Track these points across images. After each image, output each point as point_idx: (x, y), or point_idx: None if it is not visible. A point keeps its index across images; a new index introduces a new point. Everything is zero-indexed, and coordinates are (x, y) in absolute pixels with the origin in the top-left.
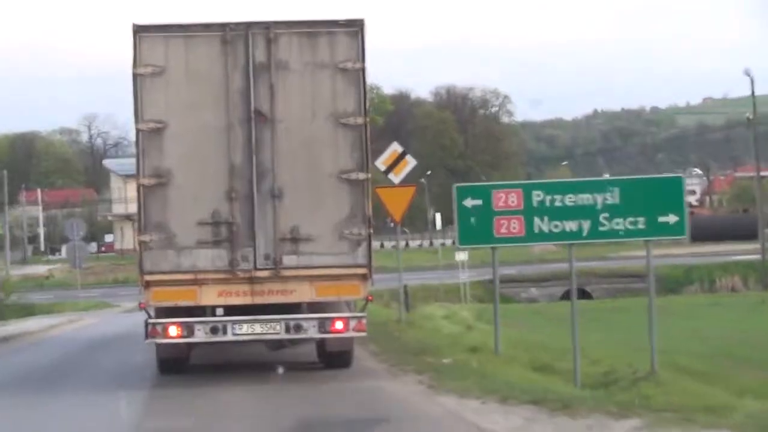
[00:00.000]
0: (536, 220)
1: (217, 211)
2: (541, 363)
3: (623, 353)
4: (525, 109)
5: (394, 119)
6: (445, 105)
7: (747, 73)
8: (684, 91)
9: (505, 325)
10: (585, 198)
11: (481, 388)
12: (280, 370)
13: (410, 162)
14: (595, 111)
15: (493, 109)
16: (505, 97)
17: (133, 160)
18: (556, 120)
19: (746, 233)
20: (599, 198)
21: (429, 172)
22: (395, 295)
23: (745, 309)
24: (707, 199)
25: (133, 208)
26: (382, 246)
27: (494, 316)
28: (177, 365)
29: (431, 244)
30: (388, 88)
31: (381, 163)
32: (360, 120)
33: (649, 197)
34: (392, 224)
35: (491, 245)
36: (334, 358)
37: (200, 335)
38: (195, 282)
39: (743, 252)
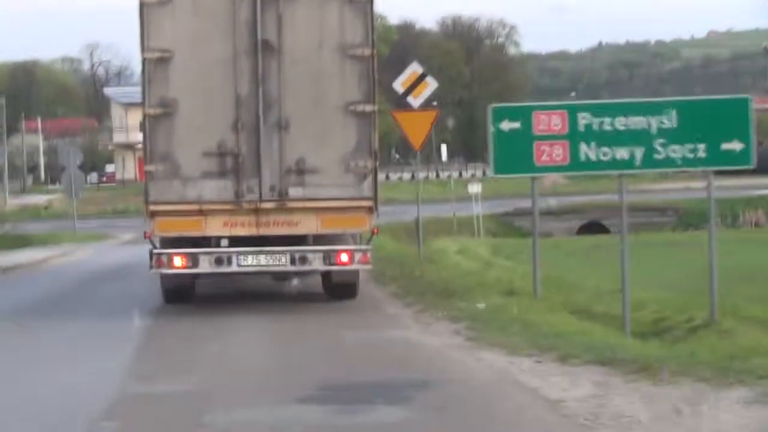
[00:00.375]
0: (582, 146)
1: (223, 142)
2: (578, 306)
3: (665, 295)
4: (530, 41)
5: (399, 49)
6: (451, 35)
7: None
8: (689, 24)
9: (525, 260)
10: (638, 121)
11: (531, 341)
12: (295, 281)
13: (431, 84)
14: (600, 44)
15: (500, 40)
16: (512, 27)
17: (135, 89)
18: (561, 52)
19: (763, 166)
20: (654, 122)
21: (435, 103)
22: (407, 229)
23: None
24: None
25: (134, 136)
26: (387, 178)
27: (533, 255)
28: (182, 295)
29: (438, 175)
30: (393, 18)
31: (399, 84)
32: (367, 51)
33: (711, 121)
34: (398, 156)
35: (531, 174)
36: (339, 289)
37: (205, 266)
38: (200, 212)
39: (763, 186)
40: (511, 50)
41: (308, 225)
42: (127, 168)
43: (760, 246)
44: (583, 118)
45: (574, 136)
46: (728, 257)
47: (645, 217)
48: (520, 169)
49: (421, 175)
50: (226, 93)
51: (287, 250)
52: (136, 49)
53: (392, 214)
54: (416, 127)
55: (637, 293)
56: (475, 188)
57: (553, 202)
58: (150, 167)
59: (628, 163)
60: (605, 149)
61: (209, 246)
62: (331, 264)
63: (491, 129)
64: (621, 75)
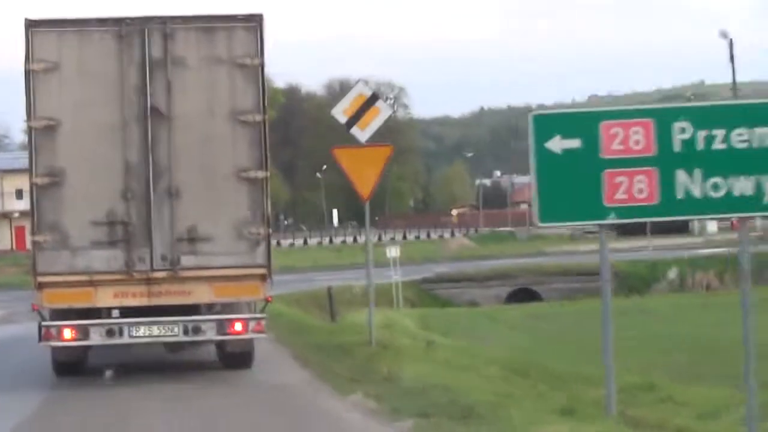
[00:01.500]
0: (680, 175)
1: (112, 211)
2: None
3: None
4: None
5: (285, 114)
6: (338, 98)
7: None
8: (569, 89)
9: (463, 336)
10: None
11: None
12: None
13: (384, 110)
14: (482, 108)
15: (389, 102)
16: (401, 89)
17: (10, 155)
18: (443, 117)
19: (675, 225)
20: None
21: (324, 167)
22: (315, 299)
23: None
24: None
25: (9, 204)
26: (278, 244)
27: (604, 344)
28: (73, 367)
29: (331, 241)
30: (279, 82)
31: (340, 112)
32: (259, 117)
33: None
34: (286, 221)
35: (598, 221)
36: (234, 358)
37: (96, 338)
38: (90, 283)
39: (693, 246)
40: (400, 113)
41: (201, 294)
42: (2, 238)
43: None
44: (682, 131)
45: (666, 160)
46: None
47: (580, 281)
48: (581, 215)
49: (314, 240)
50: (115, 161)
51: (180, 320)
52: (13, 117)
53: (295, 283)
54: (363, 169)
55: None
56: (393, 252)
57: (476, 294)
58: (38, 237)
59: (753, 203)
60: (716, 179)
61: (100, 317)
62: (225, 333)
63: (533, 150)
64: (506, 139)
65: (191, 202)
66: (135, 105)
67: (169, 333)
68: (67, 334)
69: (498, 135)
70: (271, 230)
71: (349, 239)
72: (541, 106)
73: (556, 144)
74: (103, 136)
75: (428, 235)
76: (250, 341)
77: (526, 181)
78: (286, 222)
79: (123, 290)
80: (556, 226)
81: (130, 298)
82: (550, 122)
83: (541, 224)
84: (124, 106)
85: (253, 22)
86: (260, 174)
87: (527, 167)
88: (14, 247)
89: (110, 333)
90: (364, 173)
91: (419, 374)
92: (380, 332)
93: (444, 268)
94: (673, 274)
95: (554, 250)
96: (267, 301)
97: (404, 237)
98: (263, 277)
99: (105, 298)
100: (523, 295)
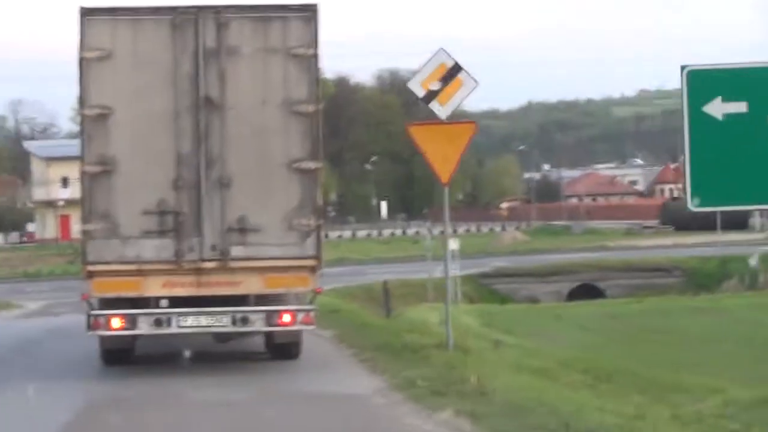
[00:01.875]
0: None
1: (163, 200)
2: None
3: None
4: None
5: (334, 105)
6: (388, 90)
7: None
8: (619, 83)
9: (529, 335)
10: None
11: None
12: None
13: (467, 83)
14: (530, 102)
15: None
16: None
17: (56, 142)
18: (491, 111)
19: (734, 220)
20: None
21: (374, 158)
22: (368, 293)
23: None
24: (658, 188)
25: (54, 193)
26: (326, 236)
27: None
28: (121, 356)
29: (380, 234)
30: (329, 73)
31: (418, 84)
32: (312, 107)
33: None
34: (333, 213)
35: None
36: (281, 349)
37: (144, 327)
38: (139, 272)
39: (755, 242)
40: None
41: (250, 285)
42: (47, 226)
43: None
44: None
45: None
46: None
47: (645, 277)
48: (746, 196)
49: (363, 233)
50: (167, 150)
51: (228, 311)
52: (61, 106)
53: (347, 276)
54: (443, 148)
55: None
56: (453, 245)
57: (536, 289)
58: (88, 226)
59: None
60: None
61: (148, 307)
62: (273, 325)
63: (686, 115)
64: (554, 134)
65: (242, 193)
66: (188, 94)
67: (218, 323)
68: (116, 323)
69: (546, 129)
70: (322, 221)
71: (398, 231)
72: (589, 101)
73: (717, 108)
74: (155, 125)
75: (478, 229)
76: (299, 332)
77: (576, 174)
78: (333, 214)
79: (172, 280)
80: (711, 210)
81: (178, 288)
82: (710, 80)
83: (693, 208)
84: (176, 96)
85: (308, 12)
86: (312, 165)
87: (576, 161)
88: (59, 236)
89: (158, 323)
90: (443, 153)
91: (511, 385)
92: (443, 330)
93: (501, 262)
94: (754, 261)
95: (615, 244)
96: (317, 292)
97: (454, 230)
98: (313, 269)
99: (154, 287)
100: (585, 291)
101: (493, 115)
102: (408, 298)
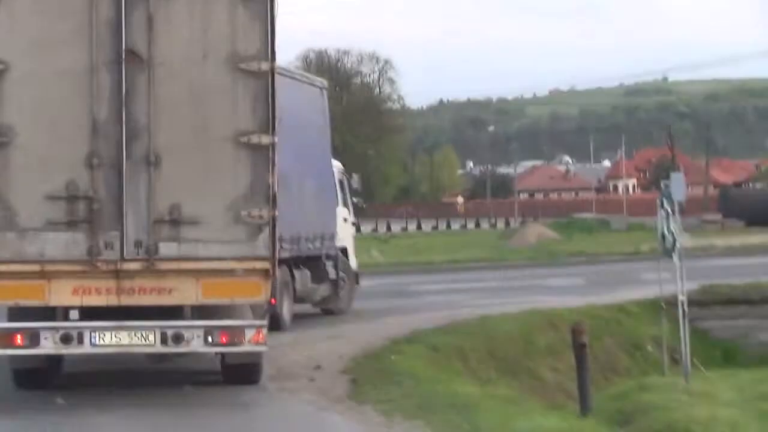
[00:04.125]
0: None
1: (74, 182)
2: None
3: None
4: None
5: None
6: (314, 72)
7: None
8: (531, 83)
9: None
10: None
11: None
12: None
13: None
14: (441, 101)
15: (373, 76)
16: (386, 62)
17: None
18: (399, 109)
19: None
20: None
21: None
22: (473, 337)
23: None
24: (611, 184)
25: None
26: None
27: None
28: (38, 377)
29: (449, 226)
30: None
31: None
32: (266, 65)
33: None
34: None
35: None
36: (236, 372)
37: (48, 345)
38: (42, 275)
39: None
40: (387, 88)
41: (185, 293)
42: None
43: None
44: None
45: None
46: None
47: None
48: None
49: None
50: (78, 117)
51: (156, 326)
52: None
53: (395, 300)
54: None
55: None
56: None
57: None
58: None
59: None
60: None
61: (54, 319)
62: (214, 344)
63: None
64: (468, 132)
65: (175, 173)
66: (106, 46)
67: (143, 342)
68: (18, 338)
69: (459, 127)
70: (276, 212)
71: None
72: (501, 100)
73: None
74: (63, 86)
75: (453, 225)
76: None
77: (509, 171)
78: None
79: (84, 285)
80: None
81: (93, 296)
82: None
83: None
84: (92, 48)
85: None
86: (265, 139)
87: (496, 158)
88: None
89: (66, 339)
90: None
91: None
92: None
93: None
94: None
95: (724, 243)
96: (271, 303)
97: (419, 227)
98: (266, 273)
99: (61, 294)
100: None
101: (404, 112)
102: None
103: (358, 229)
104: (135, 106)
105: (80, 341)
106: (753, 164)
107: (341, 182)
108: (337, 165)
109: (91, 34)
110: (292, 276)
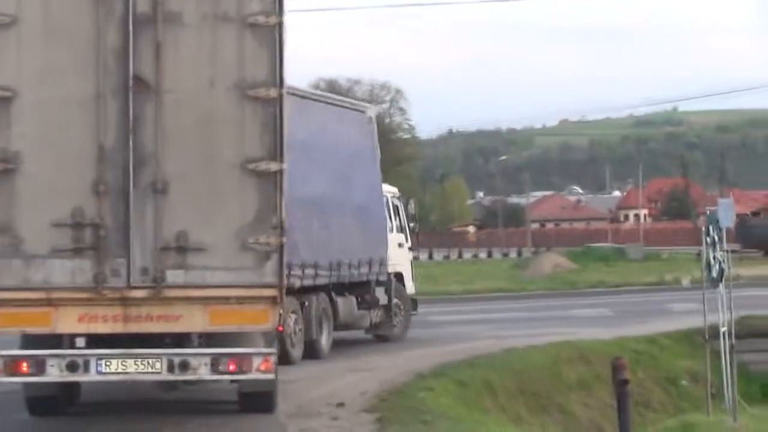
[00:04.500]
0: None
1: (80, 209)
2: None
3: None
4: None
5: None
6: None
7: None
8: (541, 114)
9: None
10: None
11: None
12: None
13: None
14: (450, 131)
15: (384, 105)
16: (398, 91)
17: None
18: (410, 139)
19: None
20: None
21: None
22: (498, 369)
23: None
24: (622, 213)
25: None
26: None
27: None
28: (51, 406)
29: (460, 255)
30: None
31: None
32: (274, 92)
33: None
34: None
35: None
36: (251, 400)
37: (54, 373)
38: (48, 302)
39: None
40: (397, 118)
41: (192, 320)
42: None
43: None
44: None
45: None
46: None
47: None
48: None
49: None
50: (85, 144)
51: (163, 354)
52: None
53: (421, 329)
54: None
55: None
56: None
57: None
58: None
59: None
60: None
61: (60, 346)
62: (221, 372)
63: None
64: (478, 161)
65: (182, 201)
66: (114, 73)
67: (150, 370)
68: (24, 366)
69: (468, 156)
70: (285, 239)
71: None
72: (511, 131)
73: None
74: (71, 113)
75: (489, 254)
76: (272, 379)
77: (522, 201)
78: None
79: (91, 312)
80: None
81: (99, 323)
82: None
83: None
84: (99, 75)
85: None
86: (273, 166)
87: (508, 188)
88: None
89: (72, 367)
90: None
91: None
92: None
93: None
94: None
95: (750, 274)
96: (279, 331)
97: (430, 256)
98: (274, 300)
99: (67, 321)
100: None
101: (413, 142)
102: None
103: (415, 256)
104: (142, 133)
105: (86, 369)
106: (765, 194)
107: (396, 207)
108: (391, 190)
109: (99, 61)
110: (332, 302)
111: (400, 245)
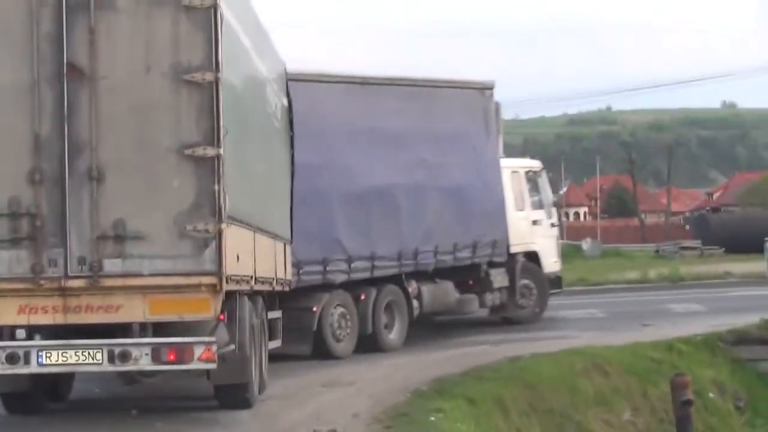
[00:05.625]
0: None
1: (16, 199)
2: None
3: None
4: None
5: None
6: None
7: None
8: None
9: None
10: None
11: None
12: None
13: None
14: None
15: None
16: None
17: None
18: None
19: None
20: None
21: None
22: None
23: None
24: (562, 212)
25: None
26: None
27: None
28: (26, 402)
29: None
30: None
31: None
32: (210, 76)
33: None
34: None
35: None
36: (224, 394)
37: None
38: None
39: None
40: None
41: (132, 310)
42: None
43: None
44: None
45: None
46: None
47: None
48: None
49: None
50: (20, 133)
51: (103, 344)
52: None
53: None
54: None
55: None
56: None
57: None
58: None
59: None
60: None
61: (0, 338)
62: (163, 362)
63: None
64: None
65: (119, 189)
66: (47, 60)
67: (90, 360)
68: None
69: None
70: (223, 225)
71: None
72: None
73: None
74: (5, 101)
75: None
76: (242, 370)
77: None
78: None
79: (30, 303)
80: None
81: (39, 314)
82: None
83: None
84: (33, 62)
85: None
86: (211, 151)
87: None
88: None
89: (12, 359)
90: None
91: None
92: None
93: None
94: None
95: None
96: (219, 320)
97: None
98: (214, 288)
99: (6, 313)
100: None
101: None
102: None
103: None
104: (77, 120)
105: (27, 361)
106: (702, 192)
107: (535, 183)
108: (526, 164)
109: (32, 48)
110: (405, 293)
111: (535, 222)
